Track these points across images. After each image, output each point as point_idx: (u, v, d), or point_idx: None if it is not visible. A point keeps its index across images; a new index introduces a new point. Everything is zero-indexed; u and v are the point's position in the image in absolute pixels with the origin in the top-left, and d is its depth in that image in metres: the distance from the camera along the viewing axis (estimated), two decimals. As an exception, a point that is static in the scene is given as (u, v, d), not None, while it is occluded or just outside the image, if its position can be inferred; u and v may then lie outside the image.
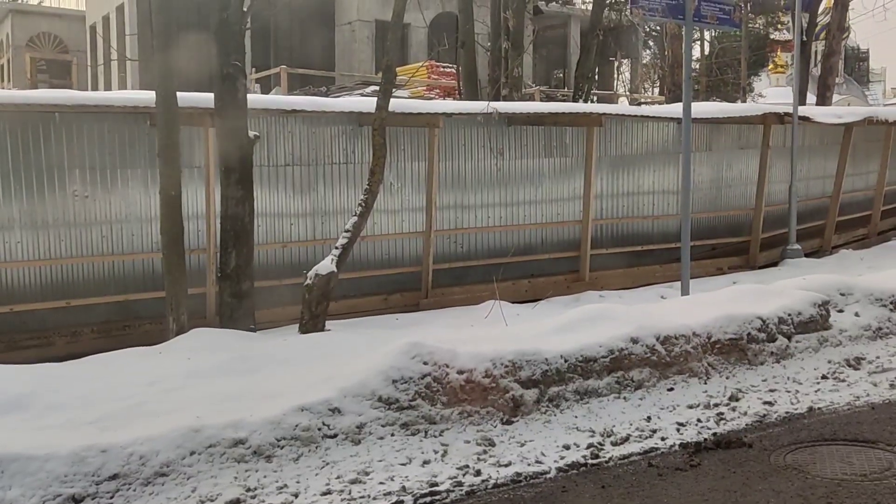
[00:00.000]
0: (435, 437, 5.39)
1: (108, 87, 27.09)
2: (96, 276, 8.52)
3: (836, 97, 25.40)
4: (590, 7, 19.12)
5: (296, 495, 4.61)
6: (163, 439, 4.83)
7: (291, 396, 5.42)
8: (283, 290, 9.28)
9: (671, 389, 6.36)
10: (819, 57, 26.31)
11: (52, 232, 8.26)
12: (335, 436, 5.21)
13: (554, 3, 29.89)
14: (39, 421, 5.28)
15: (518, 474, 4.86)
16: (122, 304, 8.61)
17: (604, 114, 11.67)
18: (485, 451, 5.19)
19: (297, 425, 5.15)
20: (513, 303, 10.04)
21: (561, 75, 32.92)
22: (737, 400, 6.15)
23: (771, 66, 38.71)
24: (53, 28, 33.12)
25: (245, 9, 8.29)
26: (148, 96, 8.16)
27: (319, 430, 5.21)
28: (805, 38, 18.73)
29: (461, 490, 4.67)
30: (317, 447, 5.12)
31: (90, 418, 5.26)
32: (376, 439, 5.28)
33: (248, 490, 4.64)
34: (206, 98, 8.37)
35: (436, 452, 5.16)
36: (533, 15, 19.66)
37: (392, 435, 5.34)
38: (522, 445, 5.30)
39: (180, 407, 5.39)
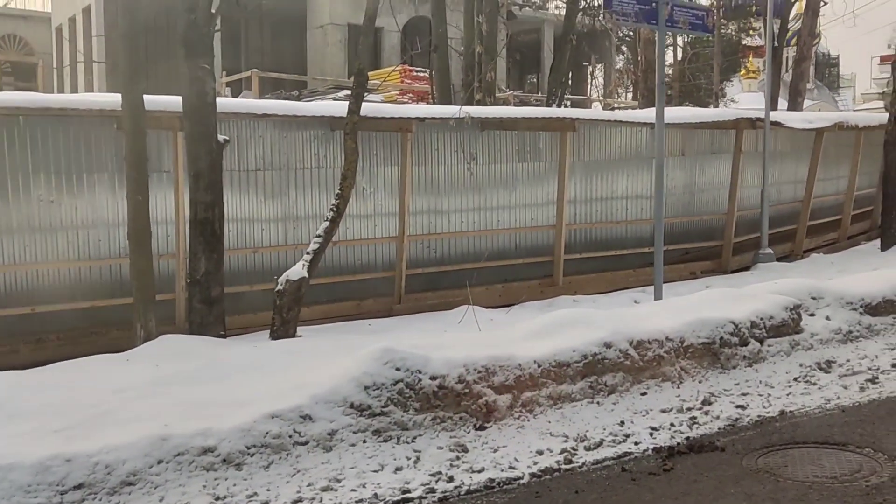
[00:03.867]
0: (407, 443, 5.34)
1: (74, 90, 26.72)
2: (62, 282, 8.37)
3: (807, 102, 25.71)
4: (563, 12, 19.16)
5: (266, 503, 4.54)
6: (130, 448, 4.74)
7: (262, 403, 5.34)
8: (254, 296, 9.19)
9: (644, 394, 6.36)
10: (790, 62, 26.65)
11: (17, 237, 8.10)
12: (306, 443, 5.14)
13: (527, 7, 29.98)
14: (3, 429, 5.15)
15: (491, 480, 4.82)
16: (89, 311, 8.47)
17: (577, 118, 11.70)
18: (458, 457, 5.15)
19: (267, 433, 5.08)
20: (486, 308, 10.02)
21: (535, 80, 33.01)
22: (710, 404, 6.16)
23: (743, 71, 39.15)
24: (19, 30, 32.60)
25: (213, 11, 8.19)
26: (114, 99, 8.04)
27: (290, 437, 5.13)
28: (777, 44, 18.92)
29: (434, 497, 4.62)
30: (288, 454, 5.05)
31: (56, 427, 5.14)
32: (348, 446, 5.21)
33: (218, 499, 4.57)
34: (175, 101, 8.26)
35: (408, 459, 5.12)
36: (506, 19, 19.65)
37: (364, 441, 5.28)
38: (496, 451, 5.27)
39: (148, 415, 5.29)
